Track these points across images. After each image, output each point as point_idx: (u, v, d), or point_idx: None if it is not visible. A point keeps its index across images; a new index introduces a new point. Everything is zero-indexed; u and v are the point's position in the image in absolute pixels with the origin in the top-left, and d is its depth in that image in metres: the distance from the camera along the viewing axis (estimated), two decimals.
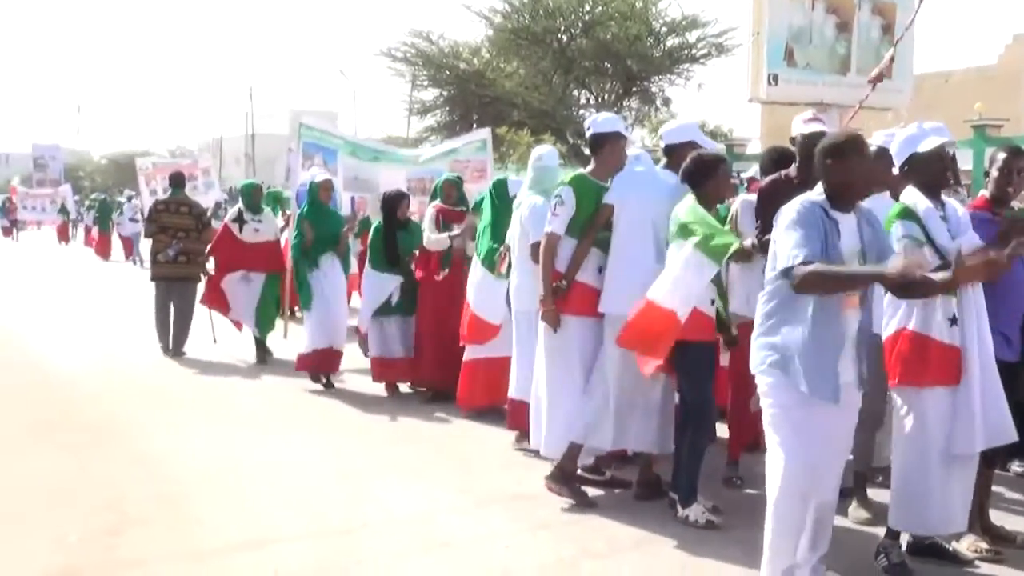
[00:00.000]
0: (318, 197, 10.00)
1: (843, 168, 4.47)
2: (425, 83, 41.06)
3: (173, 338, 11.90)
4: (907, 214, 4.88)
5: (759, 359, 4.57)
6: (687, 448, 5.89)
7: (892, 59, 13.74)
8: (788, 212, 4.49)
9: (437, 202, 9.26)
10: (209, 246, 11.65)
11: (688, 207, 5.66)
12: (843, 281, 4.36)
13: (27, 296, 19.03)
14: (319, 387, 9.74)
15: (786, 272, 4.31)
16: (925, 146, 5.02)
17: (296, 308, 11.97)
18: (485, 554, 5.40)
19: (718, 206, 6.26)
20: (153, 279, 12.18)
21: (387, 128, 52.74)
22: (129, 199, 29.97)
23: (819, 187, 4.58)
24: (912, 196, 4.95)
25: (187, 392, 9.83)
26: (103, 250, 31.39)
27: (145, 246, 17.64)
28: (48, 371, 11.04)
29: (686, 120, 7.15)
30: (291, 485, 6.70)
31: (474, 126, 37.73)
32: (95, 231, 32.73)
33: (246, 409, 9.10)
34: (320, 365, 9.92)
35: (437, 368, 9.02)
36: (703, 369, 5.85)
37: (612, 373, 6.16)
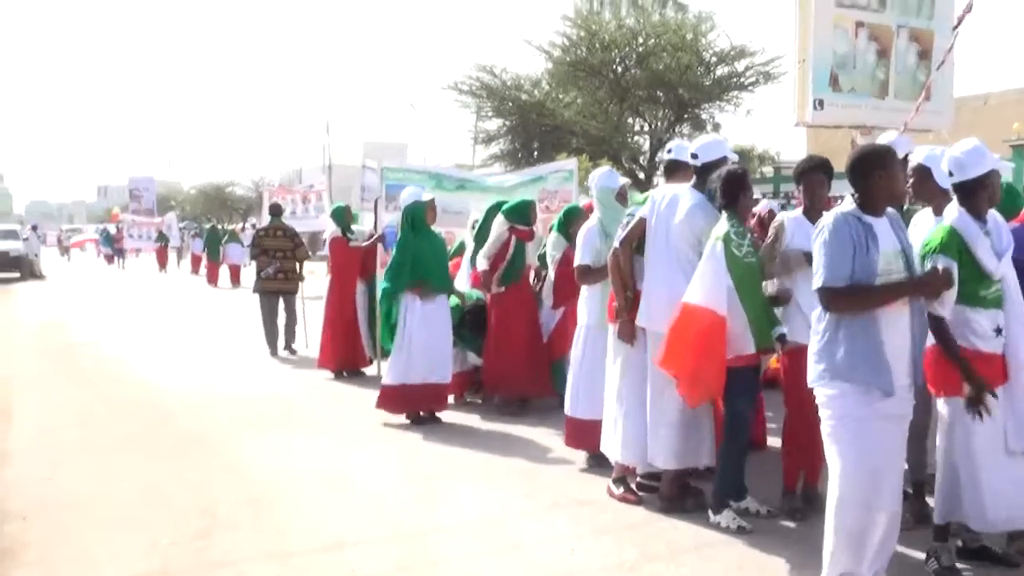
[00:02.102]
0: (423, 218, 8.80)
1: (888, 177, 4.43)
2: (489, 114, 41.13)
3: (284, 339, 13.33)
4: (949, 244, 4.70)
5: (817, 372, 4.50)
6: (721, 458, 5.83)
7: (927, 87, 13.52)
8: (822, 230, 4.46)
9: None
10: (328, 264, 12.06)
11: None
12: (877, 297, 4.38)
13: (135, 318, 19.27)
14: None
15: (819, 293, 4.42)
16: (976, 170, 4.81)
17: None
18: (552, 556, 5.35)
19: None
20: (256, 292, 13.46)
21: (454, 156, 52.98)
22: (253, 226, 29.41)
23: (848, 198, 4.52)
24: (959, 219, 4.78)
25: (273, 405, 9.89)
26: (212, 278, 29.99)
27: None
28: (150, 385, 11.18)
29: (715, 136, 6.86)
30: (368, 490, 6.72)
31: (535, 153, 37.75)
32: (204, 258, 31.51)
33: (326, 420, 9.15)
34: (422, 401, 8.75)
35: (506, 377, 8.97)
36: (740, 386, 5.70)
37: (654, 388, 6.04)
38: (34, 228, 42.00)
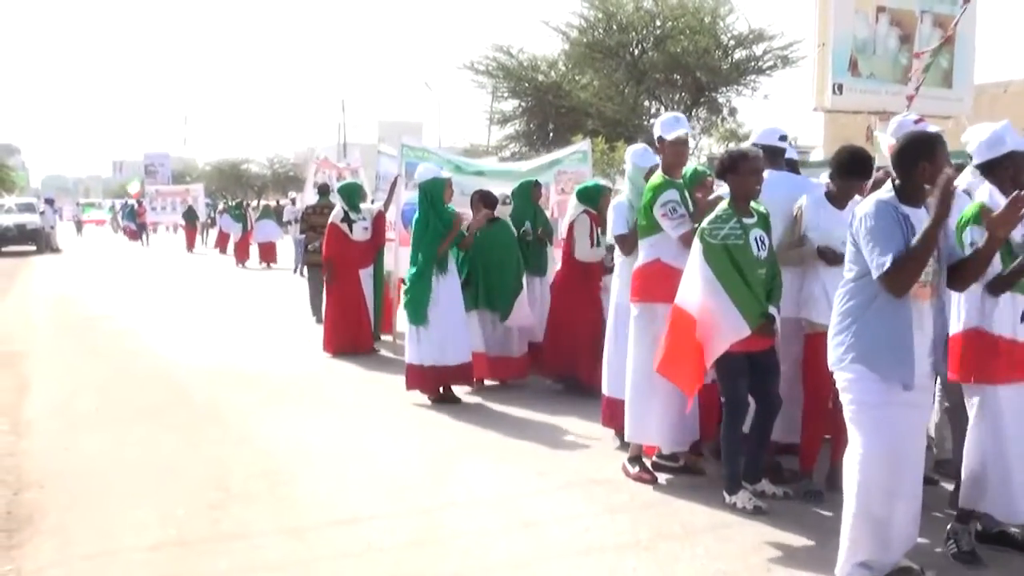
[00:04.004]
0: (441, 196, 8.68)
1: (934, 168, 4.29)
2: (505, 94, 41.02)
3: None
4: (980, 218, 4.71)
5: (837, 356, 4.47)
6: (723, 440, 5.81)
7: (929, 53, 13.45)
8: (865, 217, 4.35)
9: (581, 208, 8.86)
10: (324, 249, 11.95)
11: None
12: (920, 251, 4.21)
13: (154, 295, 19.26)
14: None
15: (882, 281, 4.25)
16: (992, 152, 4.91)
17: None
18: (566, 535, 5.34)
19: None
20: (306, 264, 14.66)
21: (469, 137, 52.84)
22: (293, 201, 27.27)
23: (887, 185, 4.45)
24: (989, 197, 4.77)
25: (289, 382, 9.86)
26: (241, 254, 27.45)
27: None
28: (166, 360, 11.20)
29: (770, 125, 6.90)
30: (383, 466, 6.72)
31: (551, 135, 37.65)
32: (233, 235, 28.74)
33: (342, 397, 9.13)
34: (434, 383, 8.71)
35: (568, 359, 8.89)
36: (735, 370, 5.65)
37: None
38: (50, 202, 41.90)
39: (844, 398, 4.48)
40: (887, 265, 4.19)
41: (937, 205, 4.15)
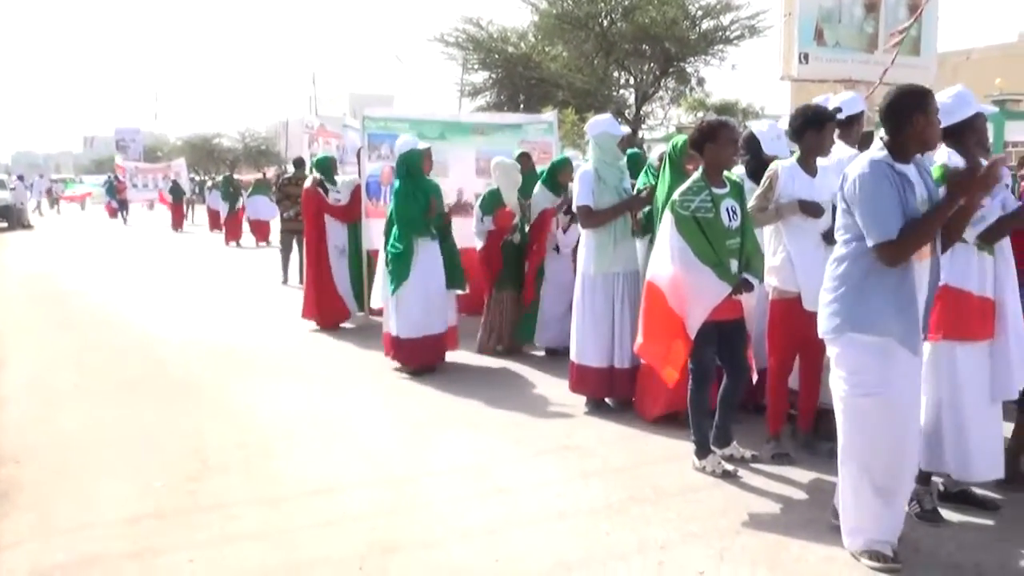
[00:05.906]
0: (420, 166, 8.59)
1: (927, 122, 4.21)
2: (475, 66, 40.78)
3: (300, 274, 14.05)
4: (941, 179, 4.75)
5: (832, 325, 4.33)
6: (691, 406, 5.85)
7: (905, 30, 13.54)
8: (859, 179, 4.20)
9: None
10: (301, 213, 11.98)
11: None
12: (927, 229, 4.13)
13: (137, 272, 19.09)
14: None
15: (877, 252, 4.15)
16: (960, 114, 4.89)
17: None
18: (540, 499, 5.37)
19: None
20: (282, 231, 15.76)
21: (440, 109, 52.45)
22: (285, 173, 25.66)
23: (878, 143, 4.35)
24: (949, 158, 4.80)
25: (264, 354, 9.84)
26: (233, 232, 25.69)
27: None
28: (142, 333, 11.13)
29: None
30: (359, 436, 6.72)
31: (521, 106, 37.49)
32: (223, 213, 26.74)
33: (316, 368, 9.11)
34: (422, 355, 8.66)
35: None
36: (704, 337, 5.62)
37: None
38: (20, 178, 41.24)
39: (839, 371, 4.37)
40: (882, 237, 4.10)
41: (972, 185, 4.11)
